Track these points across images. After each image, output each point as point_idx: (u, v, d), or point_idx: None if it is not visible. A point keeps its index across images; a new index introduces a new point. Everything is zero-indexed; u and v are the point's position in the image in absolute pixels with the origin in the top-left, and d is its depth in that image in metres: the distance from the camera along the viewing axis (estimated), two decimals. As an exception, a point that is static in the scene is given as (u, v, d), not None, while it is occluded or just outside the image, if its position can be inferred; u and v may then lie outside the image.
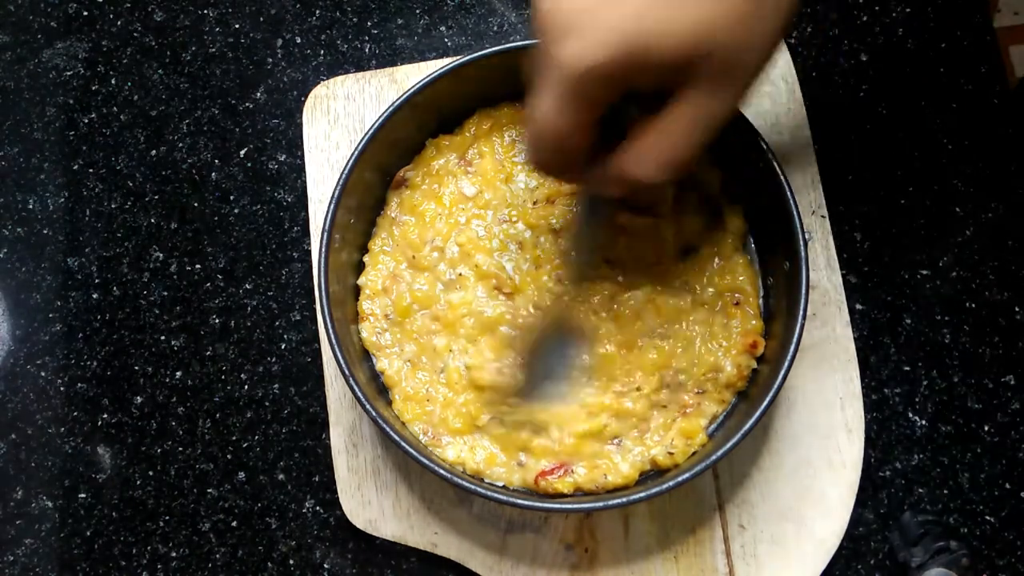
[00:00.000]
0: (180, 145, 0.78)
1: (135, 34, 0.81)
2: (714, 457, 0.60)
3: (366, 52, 0.80)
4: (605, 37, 0.46)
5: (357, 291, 0.68)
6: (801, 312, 0.61)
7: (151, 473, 0.72)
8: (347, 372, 0.61)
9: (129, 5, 0.82)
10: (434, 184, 0.69)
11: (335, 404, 0.70)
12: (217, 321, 0.74)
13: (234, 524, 0.71)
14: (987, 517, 0.68)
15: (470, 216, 0.68)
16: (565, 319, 0.65)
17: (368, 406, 0.61)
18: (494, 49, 0.66)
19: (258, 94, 0.79)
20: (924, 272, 0.73)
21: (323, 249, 0.64)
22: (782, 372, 0.61)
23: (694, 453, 0.64)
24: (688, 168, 0.51)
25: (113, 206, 0.77)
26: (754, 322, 0.66)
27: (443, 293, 0.67)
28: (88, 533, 0.71)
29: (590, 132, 0.51)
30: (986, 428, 0.70)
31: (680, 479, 0.60)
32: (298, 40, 0.80)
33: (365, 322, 0.67)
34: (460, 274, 0.67)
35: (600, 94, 0.49)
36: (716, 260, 0.67)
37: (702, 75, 0.48)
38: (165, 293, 0.75)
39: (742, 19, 0.47)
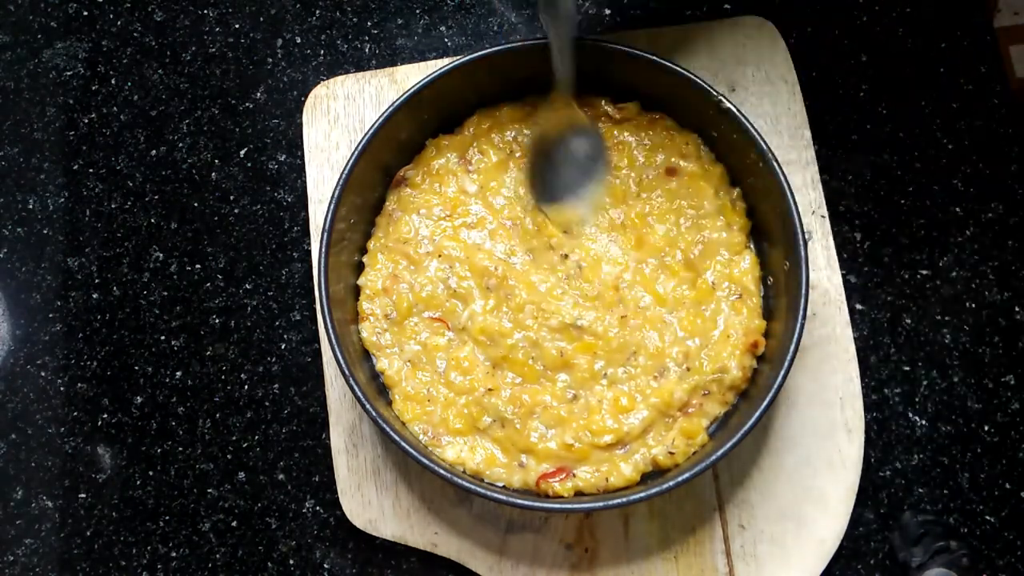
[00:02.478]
0: (180, 145, 0.78)
1: (135, 34, 0.81)
2: (714, 457, 0.60)
3: (366, 52, 0.80)
4: None
5: (357, 291, 0.68)
6: (801, 312, 0.61)
7: (151, 473, 0.72)
8: (347, 372, 0.61)
9: (129, 5, 0.82)
10: (435, 183, 0.69)
11: (335, 404, 0.70)
12: (217, 321, 0.74)
13: (234, 524, 0.71)
14: (987, 517, 0.68)
15: (472, 213, 0.69)
16: (567, 124, 0.67)
17: (368, 406, 0.61)
18: (494, 49, 0.67)
19: (258, 94, 0.79)
20: (924, 272, 0.73)
21: (323, 249, 0.64)
22: (782, 372, 0.61)
23: (694, 453, 0.64)
24: None
25: (113, 206, 0.77)
26: (756, 321, 0.66)
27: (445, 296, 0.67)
28: (88, 533, 0.71)
29: None
30: (986, 428, 0.70)
31: (680, 479, 0.60)
32: (298, 40, 0.80)
33: (365, 322, 0.67)
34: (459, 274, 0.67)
35: None
36: (724, 253, 0.68)
37: None
38: (165, 293, 0.75)
39: None
